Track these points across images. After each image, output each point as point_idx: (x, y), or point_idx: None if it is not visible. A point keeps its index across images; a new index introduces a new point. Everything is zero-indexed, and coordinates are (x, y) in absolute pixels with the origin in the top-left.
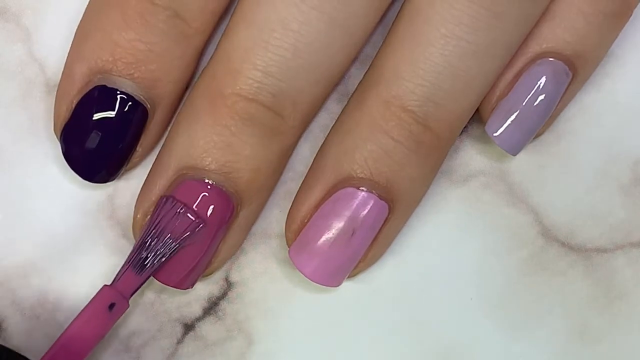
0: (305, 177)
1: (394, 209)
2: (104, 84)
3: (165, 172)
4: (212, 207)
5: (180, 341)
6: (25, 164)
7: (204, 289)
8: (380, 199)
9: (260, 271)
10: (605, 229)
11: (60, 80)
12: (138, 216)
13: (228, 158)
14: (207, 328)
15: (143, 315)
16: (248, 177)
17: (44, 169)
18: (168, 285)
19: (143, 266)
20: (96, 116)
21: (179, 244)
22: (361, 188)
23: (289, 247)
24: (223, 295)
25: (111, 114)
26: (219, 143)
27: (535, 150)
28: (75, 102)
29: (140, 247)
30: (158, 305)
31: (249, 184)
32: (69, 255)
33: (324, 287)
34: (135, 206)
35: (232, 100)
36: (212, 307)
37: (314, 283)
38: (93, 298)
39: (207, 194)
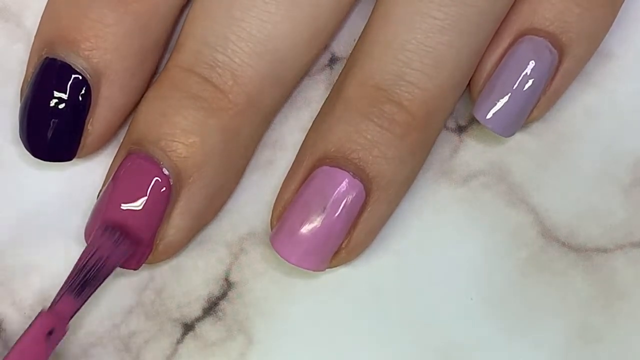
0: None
1: (372, 189)
2: (47, 55)
3: (121, 149)
4: (148, 182)
5: (180, 341)
6: (25, 164)
7: (204, 289)
8: (355, 177)
9: (260, 271)
10: (606, 229)
11: None
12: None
13: (164, 130)
14: (207, 328)
15: (143, 315)
16: (183, 151)
17: (44, 169)
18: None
19: (82, 289)
20: (42, 90)
21: (114, 267)
22: (334, 166)
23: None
24: (223, 295)
25: (54, 85)
26: (156, 115)
27: (535, 150)
28: (29, 79)
29: (79, 270)
30: (158, 305)
31: (186, 159)
32: (69, 255)
33: (319, 280)
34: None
35: (172, 72)
36: (212, 307)
37: (301, 270)
38: (31, 325)
39: (142, 168)
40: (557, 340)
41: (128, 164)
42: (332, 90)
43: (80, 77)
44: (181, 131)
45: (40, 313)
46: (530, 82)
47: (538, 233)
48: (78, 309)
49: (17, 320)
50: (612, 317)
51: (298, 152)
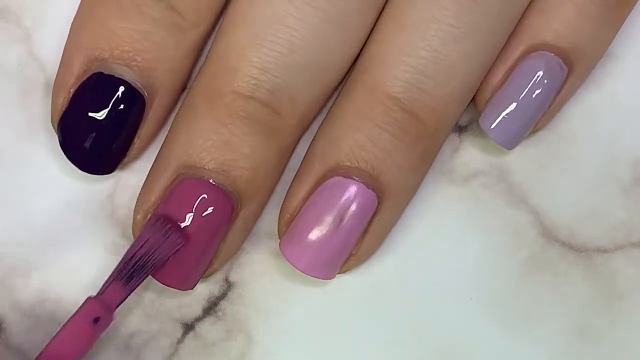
0: (297, 170)
1: (383, 198)
2: (101, 71)
3: (164, 172)
4: (211, 207)
5: (180, 341)
6: (25, 164)
7: (204, 289)
8: (368, 187)
9: (260, 271)
10: (606, 229)
11: (58, 71)
12: (138, 217)
13: (227, 157)
14: (207, 328)
15: (143, 315)
16: (247, 176)
17: (44, 168)
18: (169, 286)
19: (130, 278)
20: (93, 103)
21: (166, 259)
22: (347, 176)
23: (279, 239)
24: (223, 295)
25: (109, 101)
26: (217, 142)
27: (535, 150)
28: (72, 90)
29: (128, 260)
30: (158, 305)
31: (249, 183)
32: (69, 255)
33: (319, 280)
34: (135, 207)
35: (229, 98)
36: (212, 307)
37: (308, 276)
38: (78, 311)
39: (206, 194)
40: (557, 340)
41: (196, 189)
42: (340, 94)
43: (137, 94)
44: (244, 157)
45: (87, 300)
46: (539, 98)
47: (538, 233)
48: (125, 299)
49: (17, 320)
50: (612, 317)
51: (305, 159)
